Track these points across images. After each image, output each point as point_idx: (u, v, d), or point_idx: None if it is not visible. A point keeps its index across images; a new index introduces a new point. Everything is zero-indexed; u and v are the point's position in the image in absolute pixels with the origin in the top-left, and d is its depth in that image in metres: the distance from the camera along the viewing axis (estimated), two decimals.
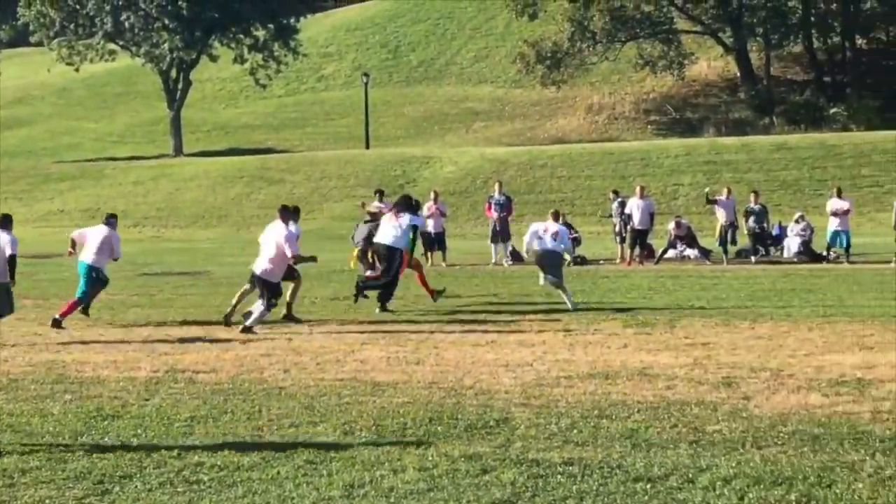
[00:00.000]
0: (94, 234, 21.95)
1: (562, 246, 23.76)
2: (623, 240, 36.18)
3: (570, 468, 9.91)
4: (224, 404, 13.14)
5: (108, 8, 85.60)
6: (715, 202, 35.72)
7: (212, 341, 18.43)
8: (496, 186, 37.93)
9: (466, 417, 12.05)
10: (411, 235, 23.40)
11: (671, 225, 36.44)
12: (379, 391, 13.72)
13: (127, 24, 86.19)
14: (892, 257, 32.76)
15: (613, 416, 11.96)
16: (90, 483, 9.90)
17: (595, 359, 15.79)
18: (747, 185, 50.18)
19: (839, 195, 35.58)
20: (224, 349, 17.50)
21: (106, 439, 11.53)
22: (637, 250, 35.29)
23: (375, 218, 26.40)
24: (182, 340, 18.63)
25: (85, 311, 21.63)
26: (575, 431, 11.31)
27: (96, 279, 21.61)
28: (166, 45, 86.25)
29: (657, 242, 37.33)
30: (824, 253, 34.98)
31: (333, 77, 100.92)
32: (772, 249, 36.75)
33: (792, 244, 36.22)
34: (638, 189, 36.67)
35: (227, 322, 20.47)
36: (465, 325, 20.11)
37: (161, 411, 12.80)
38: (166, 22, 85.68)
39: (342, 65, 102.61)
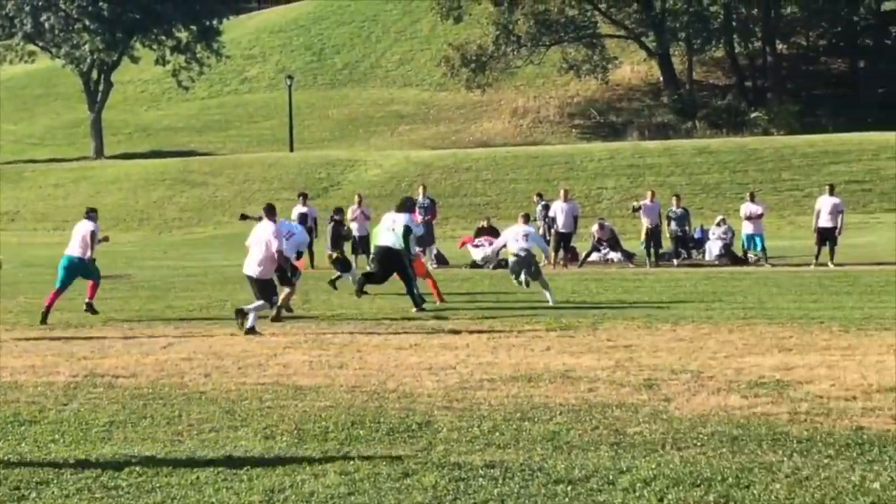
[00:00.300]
0: (77, 229, 22.73)
1: (534, 245, 25.14)
2: (547, 243, 36.29)
3: (492, 471, 9.91)
4: (143, 409, 13.02)
5: (27, 9, 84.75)
6: (639, 209, 35.83)
7: (133, 344, 18.28)
8: (420, 190, 37.93)
9: (388, 421, 12.02)
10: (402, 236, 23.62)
11: (594, 227, 36.66)
12: (301, 395, 13.66)
13: (47, 25, 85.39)
14: (812, 260, 33.13)
15: (535, 419, 11.97)
16: (7, 489, 9.76)
17: (518, 361, 15.80)
18: (670, 188, 50.49)
19: (752, 199, 35.97)
20: (144, 353, 17.35)
21: (23, 445, 11.39)
22: (561, 253, 35.43)
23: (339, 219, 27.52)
24: (102, 345, 18.44)
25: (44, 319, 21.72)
26: (497, 434, 11.31)
27: (84, 268, 22.33)
28: (87, 47, 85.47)
29: (581, 245, 37.48)
30: (746, 256, 35.30)
31: (257, 79, 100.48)
32: (693, 252, 37.00)
33: (713, 247, 36.51)
34: (562, 192, 36.81)
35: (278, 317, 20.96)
36: (389, 328, 20.08)
37: (79, 416, 12.66)
38: (87, 23, 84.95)
39: (266, 67, 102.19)
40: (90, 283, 22.63)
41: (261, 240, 20.62)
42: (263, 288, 20.45)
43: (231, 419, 12.37)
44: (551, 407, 12.56)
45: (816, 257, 33.18)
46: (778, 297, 24.21)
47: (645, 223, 35.27)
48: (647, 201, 35.91)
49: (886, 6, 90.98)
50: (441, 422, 11.93)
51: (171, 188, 63.88)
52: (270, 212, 21.38)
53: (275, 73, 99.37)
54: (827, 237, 33.35)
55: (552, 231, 35.59)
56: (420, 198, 36.52)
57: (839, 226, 33.54)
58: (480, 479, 9.69)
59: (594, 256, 36.27)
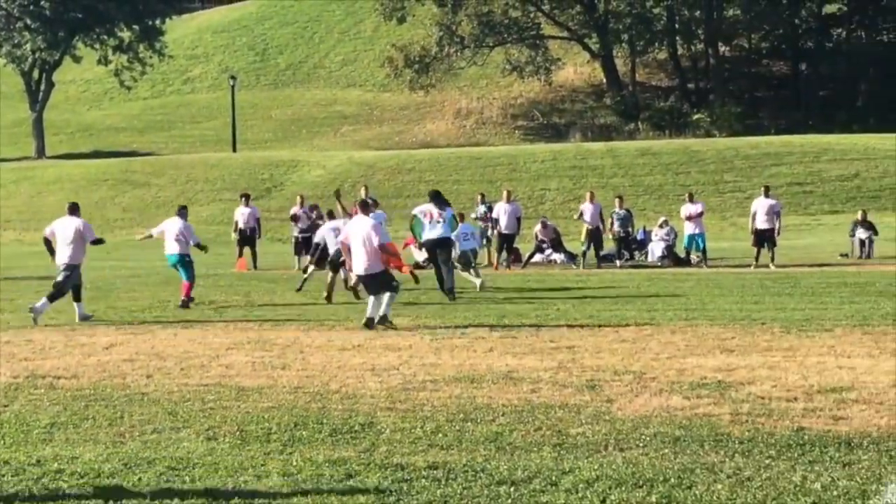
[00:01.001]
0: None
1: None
2: (490, 244, 36.35)
3: (435, 472, 9.91)
4: (85, 410, 12.93)
5: None
6: (581, 214, 35.79)
7: (74, 345, 18.15)
8: (363, 190, 37.75)
9: (331, 422, 11.99)
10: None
11: (537, 227, 36.77)
12: (244, 396, 13.60)
13: None
14: (752, 261, 33.36)
15: (478, 420, 11.98)
16: None
17: (461, 362, 15.81)
18: (612, 189, 50.78)
19: (691, 200, 36.20)
20: (86, 354, 17.23)
21: None
22: (504, 254, 35.49)
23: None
24: (43, 346, 18.30)
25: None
26: (440, 435, 11.31)
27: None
28: (28, 46, 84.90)
29: (524, 247, 37.56)
30: (688, 257, 35.51)
31: (200, 79, 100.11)
32: (636, 254, 37.18)
33: (656, 248, 36.71)
34: (505, 193, 36.86)
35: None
36: (332, 329, 20.04)
37: (20, 417, 12.55)
38: (28, 22, 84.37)
39: (209, 67, 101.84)
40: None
41: (359, 237, 20.53)
42: (379, 280, 20.45)
43: (173, 420, 12.30)
44: (494, 408, 12.57)
45: (756, 259, 33.43)
46: (720, 298, 24.35)
47: (585, 224, 35.36)
48: (587, 203, 35.96)
49: (827, 9, 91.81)
50: (384, 423, 11.92)
51: (114, 189, 63.49)
52: (365, 207, 21.48)
53: (218, 73, 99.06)
54: (764, 238, 33.61)
55: (495, 232, 35.63)
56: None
57: (776, 227, 33.79)
58: (423, 480, 9.68)
59: (537, 258, 36.38)
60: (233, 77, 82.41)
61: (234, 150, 75.69)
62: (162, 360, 16.51)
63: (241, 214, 37.18)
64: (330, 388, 14.04)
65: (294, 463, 10.34)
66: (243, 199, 38.30)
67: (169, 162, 69.46)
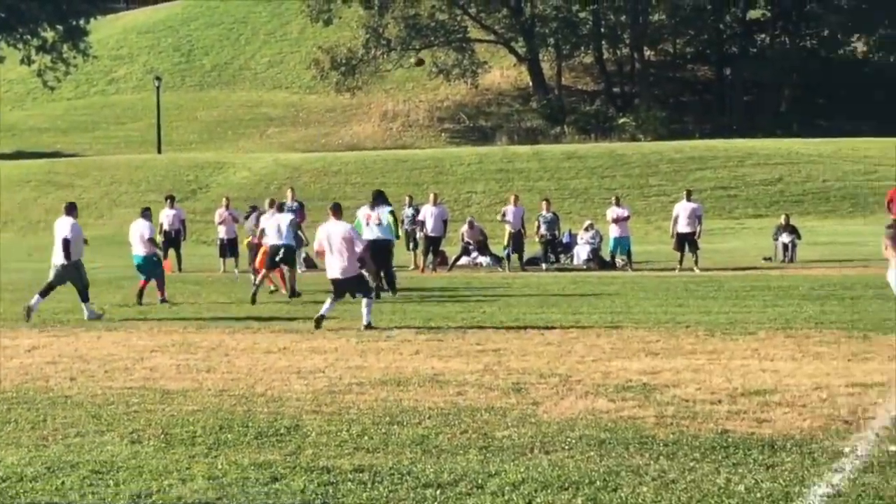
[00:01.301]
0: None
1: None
2: (416, 247, 36.34)
3: (361, 475, 9.89)
4: (7, 413, 12.79)
5: None
6: (504, 217, 35.82)
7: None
8: (289, 193, 37.67)
9: (257, 425, 11.94)
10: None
11: (464, 227, 36.76)
12: (168, 399, 13.51)
13: None
14: (677, 265, 33.59)
15: (404, 423, 11.97)
16: None
17: (387, 365, 15.80)
18: (539, 193, 50.94)
19: (618, 203, 36.44)
20: (8, 357, 17.05)
21: None
22: (430, 257, 35.49)
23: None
24: None
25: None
26: (366, 438, 11.29)
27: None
28: None
29: (451, 249, 37.59)
30: (613, 260, 35.69)
31: (124, 80, 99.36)
32: (562, 257, 37.30)
33: (581, 252, 36.85)
34: (431, 196, 36.86)
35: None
36: (257, 332, 19.95)
37: None
38: None
39: (133, 68, 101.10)
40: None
41: (338, 240, 20.56)
42: (356, 283, 20.64)
43: (97, 423, 12.19)
44: (420, 411, 12.57)
45: (680, 262, 33.68)
46: (645, 301, 24.50)
47: (508, 227, 35.40)
48: (511, 206, 36.01)
49: (752, 15, 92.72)
50: (310, 426, 11.88)
51: (37, 189, 62.81)
52: (337, 210, 21.43)
53: (143, 73, 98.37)
54: (686, 241, 33.89)
55: (421, 235, 35.61)
56: (288, 201, 36.26)
57: (697, 230, 34.08)
58: (349, 484, 9.66)
59: (464, 260, 36.41)
60: (158, 78, 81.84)
61: (160, 151, 75.17)
62: (85, 363, 16.37)
63: (167, 216, 36.95)
64: (255, 391, 13.99)
65: (219, 466, 10.28)
66: (168, 200, 38.08)
67: (93, 163, 68.84)
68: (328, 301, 20.57)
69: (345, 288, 20.68)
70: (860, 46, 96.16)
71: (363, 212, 27.28)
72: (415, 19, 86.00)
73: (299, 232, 29.82)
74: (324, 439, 11.27)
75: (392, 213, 27.75)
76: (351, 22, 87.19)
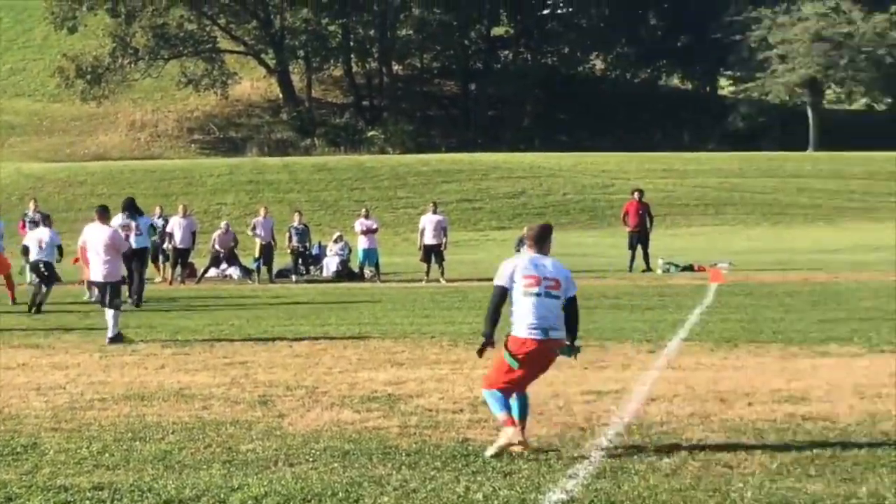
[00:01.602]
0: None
1: None
2: (166, 258, 35.87)
3: (100, 493, 9.73)
4: None
5: None
6: (254, 229, 35.64)
7: None
8: (31, 204, 36.86)
9: None
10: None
11: (218, 231, 36.33)
12: None
13: None
14: (424, 276, 33.99)
15: (147, 439, 11.84)
16: None
17: (131, 380, 15.59)
18: (289, 204, 50.97)
19: (366, 216, 36.75)
20: None
21: None
22: (179, 269, 35.10)
23: None
24: None
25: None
26: (107, 455, 11.12)
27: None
28: None
29: (200, 261, 37.24)
30: (362, 272, 35.89)
31: None
32: (312, 269, 37.34)
33: (331, 263, 36.95)
34: (181, 208, 36.44)
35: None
36: None
37: None
38: None
39: None
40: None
41: (100, 244, 20.37)
42: (113, 292, 20.34)
43: None
44: (164, 426, 12.45)
45: (427, 273, 34.11)
46: (392, 312, 24.74)
47: (258, 240, 35.27)
48: (261, 217, 35.92)
49: (495, 31, 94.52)
50: (48, 443, 11.65)
51: None
52: (103, 214, 21.27)
53: None
54: (433, 253, 34.36)
55: (170, 247, 35.16)
56: (31, 212, 35.45)
57: (443, 242, 34.58)
58: (87, 502, 9.51)
59: (212, 272, 36.09)
60: None
61: None
62: None
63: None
64: None
65: None
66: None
67: None
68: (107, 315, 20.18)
69: (106, 292, 20.35)
70: (599, 64, 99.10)
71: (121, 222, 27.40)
72: (163, 28, 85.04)
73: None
74: (62, 457, 11.06)
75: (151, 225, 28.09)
76: (97, 30, 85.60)
